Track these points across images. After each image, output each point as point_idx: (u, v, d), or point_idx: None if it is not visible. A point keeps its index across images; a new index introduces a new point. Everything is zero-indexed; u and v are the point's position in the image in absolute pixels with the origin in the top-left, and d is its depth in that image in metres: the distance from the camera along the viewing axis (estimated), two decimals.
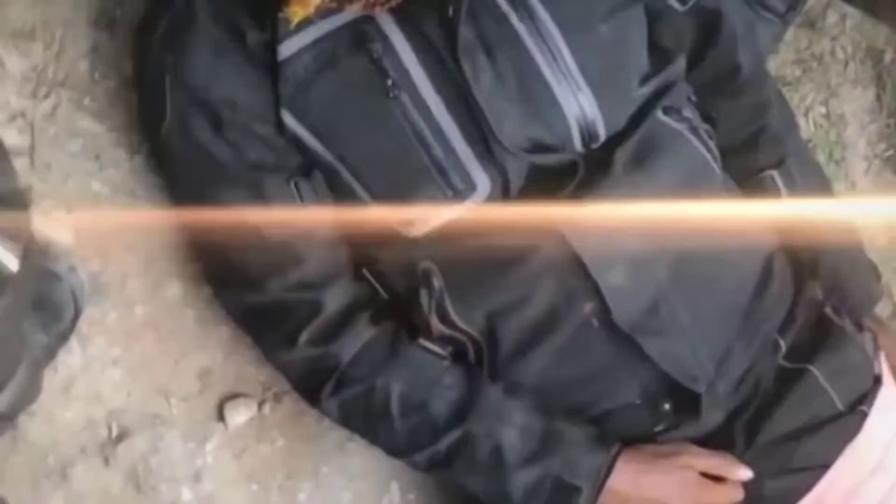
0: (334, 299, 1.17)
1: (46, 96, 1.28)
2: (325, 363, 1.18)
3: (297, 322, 1.17)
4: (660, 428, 1.20)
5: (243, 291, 1.19)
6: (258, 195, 1.13)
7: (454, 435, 1.17)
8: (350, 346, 1.17)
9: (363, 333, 1.18)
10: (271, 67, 1.10)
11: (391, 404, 1.17)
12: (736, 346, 1.21)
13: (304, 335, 1.17)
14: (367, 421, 1.21)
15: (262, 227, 1.14)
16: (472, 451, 1.17)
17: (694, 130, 1.19)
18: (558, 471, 1.16)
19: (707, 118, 1.25)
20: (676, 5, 1.19)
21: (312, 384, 1.20)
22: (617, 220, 1.13)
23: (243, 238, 1.15)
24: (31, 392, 1.18)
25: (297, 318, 1.17)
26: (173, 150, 1.17)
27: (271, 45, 1.09)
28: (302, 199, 1.14)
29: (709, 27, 1.23)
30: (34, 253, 1.24)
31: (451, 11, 1.07)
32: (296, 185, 1.14)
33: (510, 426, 1.17)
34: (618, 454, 1.18)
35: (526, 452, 1.17)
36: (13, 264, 0.84)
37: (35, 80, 1.28)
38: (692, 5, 1.20)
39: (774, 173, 1.29)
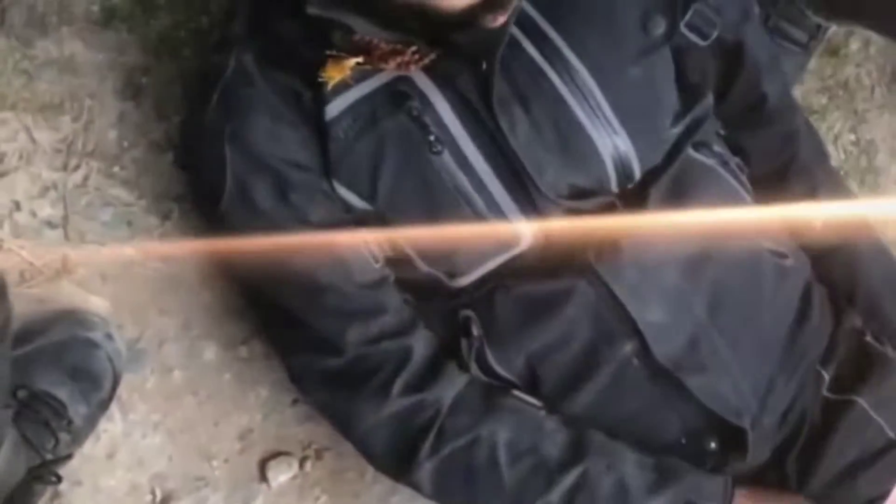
0: (422, 345, 1.15)
1: (77, 167, 1.30)
2: (424, 414, 1.14)
3: (388, 373, 1.14)
4: (707, 467, 1.18)
5: (321, 355, 1.15)
6: (330, 253, 1.12)
7: (571, 476, 1.13)
8: (448, 392, 1.14)
9: (457, 379, 1.15)
10: (321, 127, 1.10)
11: (498, 454, 1.13)
12: (778, 379, 1.19)
13: (397, 385, 1.13)
14: (468, 479, 1.15)
15: (337, 282, 1.12)
16: (593, 489, 1.13)
17: (725, 165, 1.19)
18: (687, 495, 1.14)
19: (737, 151, 1.25)
20: (698, 41, 1.19)
21: (406, 446, 1.14)
22: (652, 257, 1.12)
23: (318, 298, 1.13)
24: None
25: (387, 369, 1.14)
26: (236, 222, 1.13)
27: (320, 106, 1.10)
28: (369, 249, 1.13)
29: (732, 60, 1.23)
30: (71, 323, 1.25)
31: (484, 65, 1.07)
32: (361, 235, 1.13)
33: (625, 460, 1.15)
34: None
35: (648, 483, 1.14)
36: None
37: (65, 152, 1.30)
38: (713, 40, 1.20)
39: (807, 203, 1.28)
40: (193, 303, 1.33)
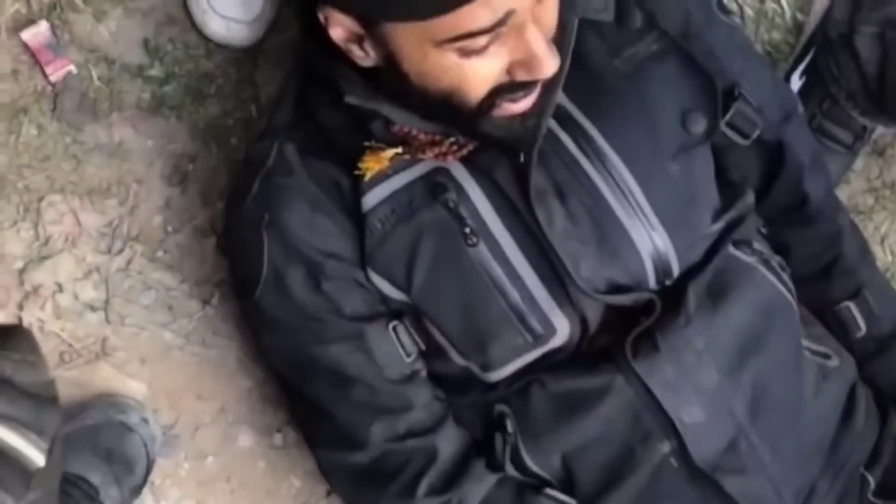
0: (449, 443, 1.15)
1: (121, 251, 1.31)
2: None
3: (413, 472, 1.13)
4: None
5: (347, 450, 1.15)
6: (361, 346, 1.12)
7: None
8: (474, 492, 1.14)
9: (486, 478, 1.14)
10: (358, 217, 1.11)
11: None
12: (820, 483, 1.17)
13: (422, 486, 1.13)
14: None
15: (366, 376, 1.12)
16: None
17: (766, 263, 1.17)
18: None
19: (779, 250, 1.23)
20: (739, 140, 1.19)
21: None
22: (691, 356, 1.10)
23: (346, 391, 1.13)
24: None
25: (412, 468, 1.13)
26: (270, 311, 1.14)
27: (357, 196, 1.10)
28: (401, 343, 1.13)
29: (773, 159, 1.23)
30: (107, 406, 1.26)
31: (522, 157, 1.07)
32: (394, 329, 1.13)
33: None
34: None
35: None
36: (40, 460, 0.84)
37: (110, 236, 1.32)
38: (755, 139, 1.19)
39: (851, 305, 1.26)
40: (230, 389, 1.33)
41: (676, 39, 1.13)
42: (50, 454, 0.87)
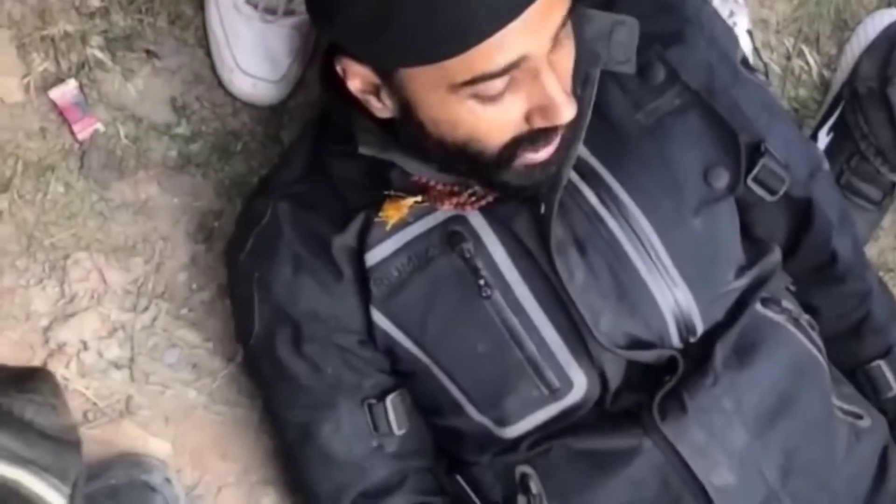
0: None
1: (146, 309, 1.31)
2: None
3: None
4: None
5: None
6: (330, 416, 1.15)
7: None
8: None
9: None
10: (357, 273, 1.11)
11: None
12: None
13: None
14: None
15: (330, 448, 1.15)
16: None
17: (795, 321, 1.16)
18: None
19: (808, 309, 1.22)
20: (766, 196, 1.18)
21: None
22: (720, 418, 1.09)
23: (314, 457, 1.17)
24: None
25: None
26: (258, 365, 1.20)
27: (358, 251, 1.10)
28: (373, 420, 1.15)
29: (801, 216, 1.22)
30: (130, 466, 1.25)
31: (542, 209, 1.07)
32: (369, 407, 1.15)
33: None
34: None
35: None
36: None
37: (135, 293, 1.31)
38: (781, 196, 1.19)
39: (882, 363, 1.25)
40: (254, 449, 1.32)
41: (699, 93, 1.13)
42: (72, 499, 0.87)
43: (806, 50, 1.43)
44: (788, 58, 1.43)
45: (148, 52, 1.33)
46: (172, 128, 1.33)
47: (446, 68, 0.92)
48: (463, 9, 0.88)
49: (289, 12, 1.30)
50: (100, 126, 1.32)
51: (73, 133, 1.31)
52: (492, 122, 0.96)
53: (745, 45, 1.36)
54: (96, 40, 1.32)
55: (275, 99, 1.33)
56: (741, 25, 1.36)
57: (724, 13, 1.34)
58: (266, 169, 1.33)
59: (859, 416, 1.18)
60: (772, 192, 1.17)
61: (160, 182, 1.33)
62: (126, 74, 1.33)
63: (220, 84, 1.33)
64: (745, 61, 1.21)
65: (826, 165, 1.26)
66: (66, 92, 1.30)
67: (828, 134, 1.43)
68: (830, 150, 1.41)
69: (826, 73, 1.44)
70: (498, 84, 0.93)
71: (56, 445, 0.87)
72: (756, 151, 1.15)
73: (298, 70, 1.33)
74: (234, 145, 1.34)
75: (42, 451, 0.85)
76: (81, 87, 1.31)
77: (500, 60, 0.91)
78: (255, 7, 1.30)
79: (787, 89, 1.44)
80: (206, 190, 1.34)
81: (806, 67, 1.43)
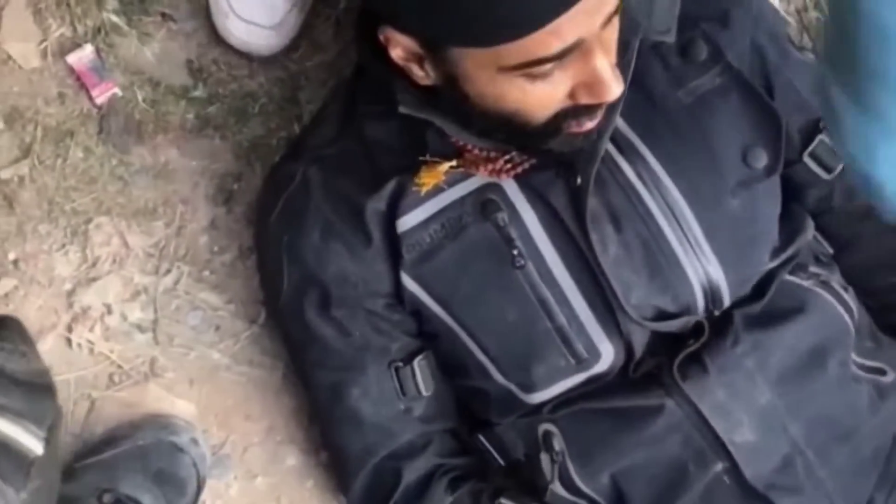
0: (414, 471, 1.17)
1: (168, 272, 1.32)
2: None
3: (383, 495, 1.18)
4: None
5: (345, 472, 1.21)
6: (359, 379, 1.16)
7: None
8: None
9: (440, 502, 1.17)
10: (387, 237, 1.11)
11: None
12: (877, 496, 1.16)
13: None
14: None
15: (359, 410, 1.17)
16: None
17: (824, 284, 1.16)
18: None
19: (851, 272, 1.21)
20: (823, 174, 1.16)
21: None
22: (741, 377, 1.09)
23: (340, 416, 1.18)
24: None
25: (383, 491, 1.18)
26: (286, 327, 1.21)
27: (389, 217, 1.11)
28: (401, 383, 1.16)
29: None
30: (157, 427, 1.26)
31: (578, 180, 1.07)
32: (396, 370, 1.15)
33: None
34: None
35: None
36: (38, 448, 0.85)
37: (157, 257, 1.32)
38: (838, 173, 1.17)
39: None
40: (277, 408, 1.33)
41: (741, 73, 1.12)
42: (48, 443, 0.87)
43: (823, 1, 1.42)
44: (805, 9, 1.42)
45: (164, 15, 1.32)
46: (190, 91, 1.33)
47: (499, 51, 0.91)
48: None
49: None
50: (117, 90, 1.31)
51: (91, 98, 1.31)
52: (539, 97, 0.96)
53: None
54: (112, 4, 1.31)
55: (272, 48, 1.30)
56: None
57: None
58: (284, 131, 1.33)
59: (883, 372, 1.18)
60: (829, 169, 1.16)
61: (179, 145, 1.33)
62: (142, 38, 1.32)
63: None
64: (790, 39, 1.20)
65: None
66: (83, 57, 1.30)
67: None
68: None
69: None
70: (548, 66, 0.92)
71: (29, 390, 0.87)
72: (815, 128, 1.15)
73: (297, 18, 1.29)
74: (251, 107, 1.33)
75: (14, 397, 0.86)
76: (98, 51, 1.31)
77: (556, 46, 0.91)
78: None
79: (805, 41, 1.42)
80: (225, 152, 1.33)
81: (823, 19, 1.42)
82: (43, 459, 0.87)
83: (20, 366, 0.87)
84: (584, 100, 0.96)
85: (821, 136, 1.15)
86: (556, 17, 0.88)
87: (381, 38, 0.98)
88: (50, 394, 0.89)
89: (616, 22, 0.95)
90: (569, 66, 0.93)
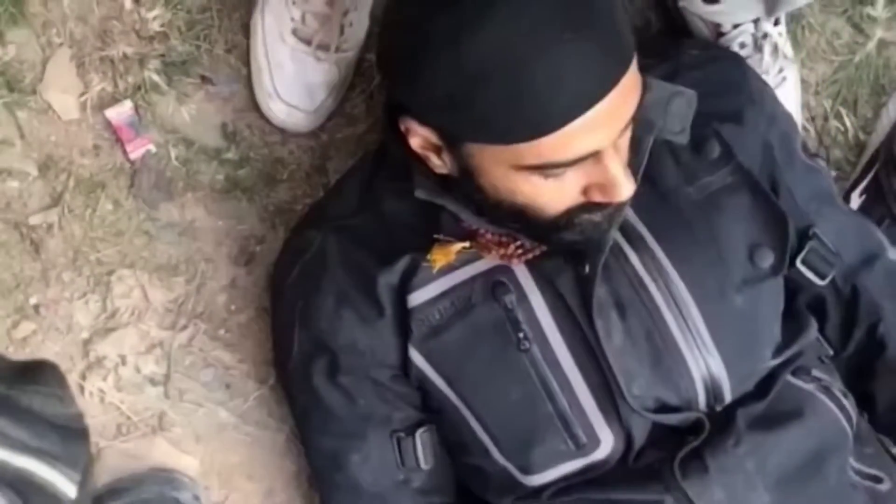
0: None
1: (185, 327, 1.34)
2: None
3: None
4: None
5: None
6: (360, 447, 1.17)
7: None
8: None
9: None
10: (398, 311, 1.13)
11: None
12: None
13: None
14: None
15: (358, 478, 1.17)
16: None
17: (825, 390, 1.17)
18: None
19: (865, 395, 1.23)
20: (816, 280, 1.19)
21: None
22: (741, 478, 1.10)
23: (342, 485, 1.19)
24: None
25: None
26: (293, 390, 1.23)
27: (400, 291, 1.13)
28: (401, 454, 1.17)
29: (849, 306, 1.22)
30: (162, 481, 1.27)
31: (587, 269, 1.09)
32: (398, 440, 1.17)
33: None
34: None
35: None
36: (72, 492, 0.86)
37: (175, 312, 1.34)
38: (830, 284, 1.19)
39: None
40: (279, 470, 1.34)
41: (752, 173, 1.14)
42: (81, 486, 0.88)
43: (843, 112, 1.45)
44: (826, 118, 1.45)
45: (203, 77, 1.36)
46: (222, 153, 1.36)
47: (516, 151, 0.94)
48: (544, 99, 0.90)
49: (339, 49, 1.33)
50: (152, 147, 1.35)
51: (125, 152, 1.34)
52: (552, 195, 0.99)
53: (793, 101, 1.38)
54: (154, 64, 1.35)
55: (307, 128, 1.36)
56: (791, 80, 1.39)
57: (775, 70, 1.36)
58: (310, 198, 1.36)
59: (879, 480, 1.19)
60: (821, 276, 1.19)
61: (206, 205, 1.36)
62: (180, 98, 1.36)
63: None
64: (804, 146, 1.23)
65: (892, 254, 1.25)
66: (121, 112, 1.34)
67: (860, 195, 1.45)
68: (862, 212, 1.43)
69: (861, 135, 1.45)
70: (563, 168, 0.96)
71: (64, 434, 0.89)
72: (805, 235, 1.17)
73: (333, 104, 1.36)
74: (280, 173, 1.37)
75: (51, 441, 0.87)
76: (136, 108, 1.34)
77: (571, 153, 0.94)
78: (309, 43, 1.32)
79: (822, 150, 1.46)
80: (251, 215, 1.36)
81: (842, 129, 1.45)
82: (76, 503, 0.88)
83: (57, 410, 0.88)
84: (596, 198, 0.99)
85: (812, 244, 1.18)
86: (570, 121, 0.91)
87: (402, 127, 1.01)
88: (84, 438, 0.90)
89: (629, 129, 0.98)
90: (582, 167, 0.96)
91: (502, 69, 0.90)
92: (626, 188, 0.97)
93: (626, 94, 0.94)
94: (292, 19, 1.32)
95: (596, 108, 0.92)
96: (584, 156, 0.94)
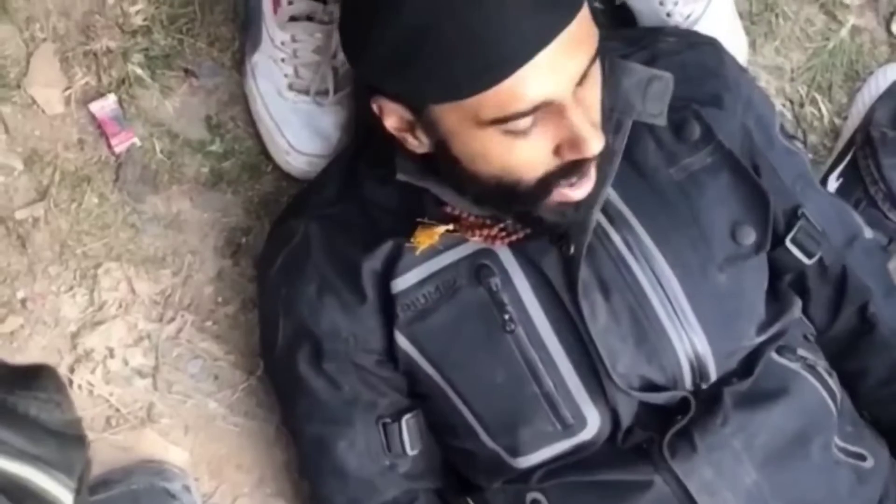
0: None
1: (172, 320, 1.34)
2: None
3: None
4: None
5: None
6: (346, 432, 1.18)
7: None
8: None
9: None
10: (381, 296, 1.14)
11: None
12: None
13: None
14: None
15: (345, 464, 1.18)
16: None
17: (810, 368, 1.18)
18: None
19: (851, 372, 1.24)
20: (804, 259, 1.21)
21: None
22: (729, 457, 1.12)
23: (325, 468, 1.20)
24: None
25: None
26: (279, 379, 1.25)
27: (384, 277, 1.14)
28: (387, 440, 1.18)
29: (838, 285, 1.24)
30: (151, 472, 1.27)
31: (571, 249, 1.10)
32: (384, 426, 1.18)
33: None
34: None
35: None
36: (68, 499, 0.86)
37: (162, 304, 1.35)
38: (817, 264, 1.21)
39: None
40: (269, 461, 1.35)
41: (732, 153, 1.16)
42: (78, 493, 0.89)
43: (818, 98, 1.47)
44: (801, 105, 1.47)
45: (186, 71, 1.37)
46: (206, 145, 1.37)
47: (474, 105, 0.95)
48: (487, 46, 0.92)
49: (338, 90, 1.33)
50: (136, 140, 1.35)
51: (110, 146, 1.35)
52: (523, 155, 0.99)
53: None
54: (137, 57, 1.36)
55: None
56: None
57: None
58: (294, 189, 1.37)
59: (863, 458, 1.20)
60: (809, 254, 1.21)
61: (192, 197, 1.36)
62: (164, 92, 1.36)
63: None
64: (782, 127, 1.25)
65: (868, 234, 1.28)
66: (105, 106, 1.34)
67: (837, 179, 1.47)
68: (839, 195, 1.45)
69: (837, 120, 1.48)
70: (524, 122, 0.96)
71: (61, 441, 0.89)
72: (793, 215, 1.20)
73: (348, 137, 1.34)
74: (264, 165, 1.37)
75: (47, 448, 0.87)
76: (120, 101, 1.35)
77: (527, 101, 0.95)
78: (307, 93, 1.32)
79: (799, 135, 1.48)
80: (236, 207, 1.37)
81: (818, 115, 1.47)
82: None
83: (53, 416, 0.89)
84: (568, 156, 0.99)
85: (801, 223, 1.20)
86: (518, 66, 0.93)
87: (375, 108, 1.03)
88: (81, 444, 0.90)
89: (594, 80, 0.99)
90: (546, 123, 0.97)
91: (441, 16, 0.92)
92: (594, 142, 0.98)
93: (577, 42, 0.95)
94: (285, 75, 1.32)
95: (545, 52, 0.93)
96: (540, 103, 0.95)
